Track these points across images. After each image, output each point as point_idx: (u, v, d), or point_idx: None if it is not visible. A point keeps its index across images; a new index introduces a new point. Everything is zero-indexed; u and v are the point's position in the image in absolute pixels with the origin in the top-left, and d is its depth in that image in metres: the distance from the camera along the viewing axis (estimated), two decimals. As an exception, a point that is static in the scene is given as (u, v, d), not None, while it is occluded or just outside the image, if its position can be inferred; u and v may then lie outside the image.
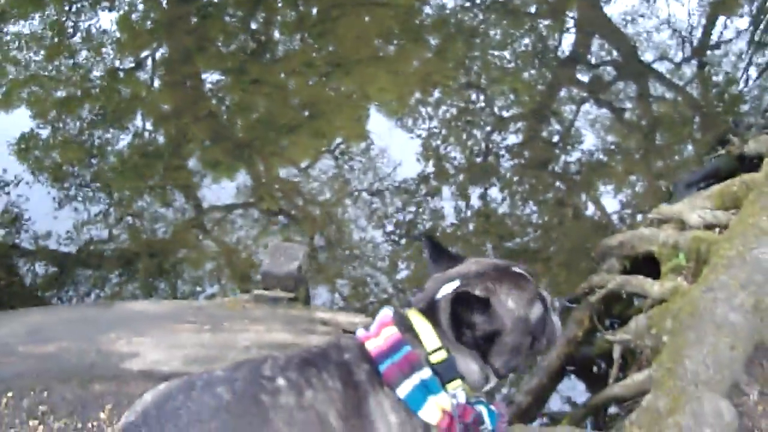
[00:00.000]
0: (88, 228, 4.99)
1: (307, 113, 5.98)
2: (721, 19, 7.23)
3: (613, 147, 5.74)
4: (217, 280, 4.75)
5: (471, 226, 5.06)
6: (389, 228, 5.01)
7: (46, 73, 6.33)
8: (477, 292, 1.83)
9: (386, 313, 2.00)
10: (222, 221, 5.09)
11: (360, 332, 1.97)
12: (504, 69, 6.53)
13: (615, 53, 6.79)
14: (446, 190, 5.30)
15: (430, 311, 1.86)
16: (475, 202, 5.21)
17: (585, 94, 6.25)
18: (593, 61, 6.72)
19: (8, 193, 5.22)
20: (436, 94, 6.40)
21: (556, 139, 5.80)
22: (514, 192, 5.32)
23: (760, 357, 3.06)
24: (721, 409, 2.73)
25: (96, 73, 6.28)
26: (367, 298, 4.57)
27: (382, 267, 4.80)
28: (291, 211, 5.19)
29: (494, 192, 5.29)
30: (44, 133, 5.74)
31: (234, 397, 1.80)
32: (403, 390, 1.83)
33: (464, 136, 5.91)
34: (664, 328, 3.14)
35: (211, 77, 6.31)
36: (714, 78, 6.51)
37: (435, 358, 1.83)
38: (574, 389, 3.78)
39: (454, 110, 6.12)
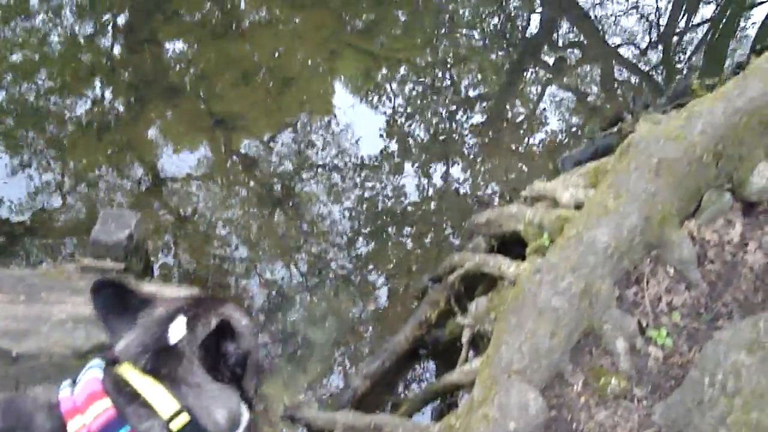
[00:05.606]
0: (41, 197, 4.93)
1: (271, 85, 6.00)
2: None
3: (510, 120, 5.79)
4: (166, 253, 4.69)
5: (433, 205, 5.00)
6: (347, 204, 5.00)
7: (2, 36, 6.13)
8: (213, 320, 1.54)
9: (94, 375, 1.49)
10: (180, 192, 5.06)
11: (64, 397, 1.47)
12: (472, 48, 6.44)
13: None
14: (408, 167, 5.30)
15: (159, 364, 1.47)
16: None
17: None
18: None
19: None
20: (402, 70, 6.36)
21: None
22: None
23: (589, 345, 2.80)
24: (528, 402, 2.53)
25: (54, 38, 6.14)
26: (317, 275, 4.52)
27: (339, 244, 4.77)
28: (251, 184, 5.19)
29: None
30: (-2, 97, 5.65)
31: None
32: None
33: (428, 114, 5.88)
34: (500, 312, 2.91)
35: (174, 46, 6.21)
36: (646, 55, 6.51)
37: (176, 425, 1.44)
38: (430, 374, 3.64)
39: (419, 88, 6.10)
